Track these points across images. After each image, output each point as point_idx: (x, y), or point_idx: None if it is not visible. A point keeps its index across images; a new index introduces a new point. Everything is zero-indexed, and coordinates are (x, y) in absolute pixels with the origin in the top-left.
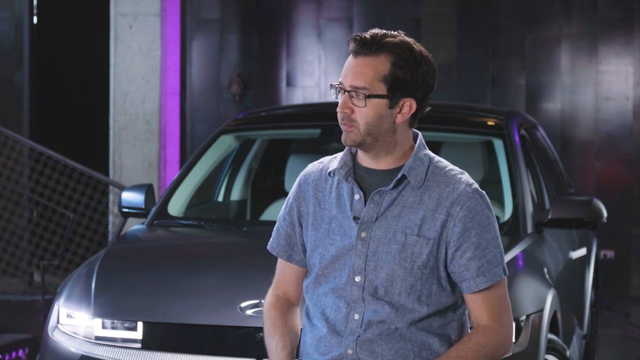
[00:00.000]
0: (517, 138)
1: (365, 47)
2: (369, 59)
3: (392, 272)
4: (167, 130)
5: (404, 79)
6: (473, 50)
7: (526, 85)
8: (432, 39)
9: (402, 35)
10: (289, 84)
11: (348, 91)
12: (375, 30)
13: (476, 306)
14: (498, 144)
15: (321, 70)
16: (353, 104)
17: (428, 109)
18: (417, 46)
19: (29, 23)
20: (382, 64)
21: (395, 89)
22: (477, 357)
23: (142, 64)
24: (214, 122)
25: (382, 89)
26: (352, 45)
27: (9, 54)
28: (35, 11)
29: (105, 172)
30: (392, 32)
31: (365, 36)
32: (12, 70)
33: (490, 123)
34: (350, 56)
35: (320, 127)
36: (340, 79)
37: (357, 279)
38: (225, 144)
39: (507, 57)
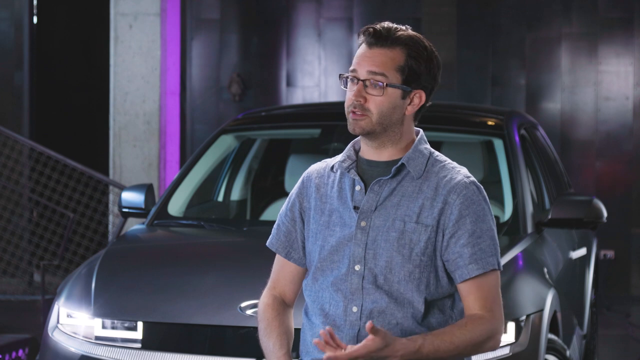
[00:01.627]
0: (517, 138)
1: (381, 39)
2: (386, 50)
3: (390, 259)
4: (167, 130)
5: (418, 71)
6: (473, 50)
7: (526, 85)
8: (432, 39)
9: (410, 29)
10: (289, 84)
11: (363, 80)
12: (387, 24)
13: (469, 296)
14: (498, 144)
15: (321, 70)
16: (367, 92)
17: (429, 104)
18: (426, 41)
19: (29, 23)
20: (398, 55)
21: (410, 80)
22: (466, 345)
23: (142, 64)
24: (214, 122)
25: (397, 79)
26: (365, 37)
27: (9, 54)
28: (35, 11)
29: (105, 172)
30: (401, 26)
31: (379, 29)
32: (12, 70)
33: (490, 123)
34: (363, 46)
35: (320, 127)
36: (352, 68)
37: (357, 267)
38: (225, 144)
39: (507, 57)
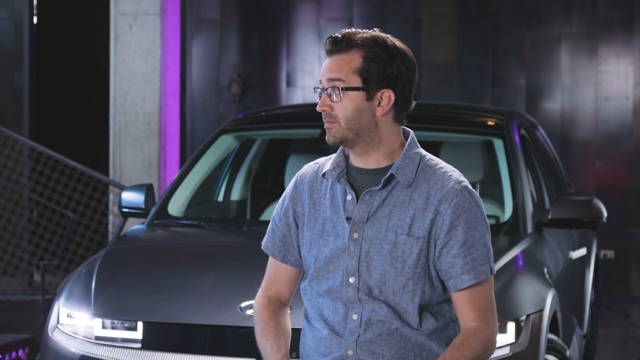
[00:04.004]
0: (517, 138)
1: (337, 45)
2: (342, 55)
3: (384, 272)
4: (167, 130)
5: (377, 71)
6: (473, 50)
7: (526, 85)
8: (432, 39)
9: (377, 31)
10: (289, 84)
11: (326, 89)
12: (347, 30)
13: (463, 306)
14: (498, 144)
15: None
16: (331, 100)
17: (414, 103)
18: (391, 40)
19: (29, 23)
20: (354, 58)
21: (369, 81)
22: None
23: (142, 64)
24: (214, 122)
25: (357, 82)
26: (326, 46)
27: (9, 54)
28: (35, 11)
29: (105, 172)
30: (366, 29)
31: (336, 35)
32: (12, 70)
33: (490, 123)
34: (326, 58)
35: (320, 127)
36: (319, 79)
37: (351, 280)
38: (225, 144)
39: (507, 57)
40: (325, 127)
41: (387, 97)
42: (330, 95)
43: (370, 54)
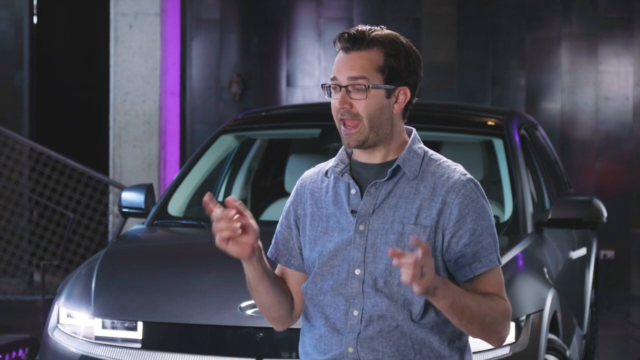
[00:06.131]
0: (517, 138)
1: (356, 42)
2: (363, 53)
3: (390, 262)
4: (167, 130)
5: (398, 68)
6: (473, 50)
7: (526, 85)
8: (432, 39)
9: (385, 29)
10: (289, 84)
11: (345, 86)
12: (361, 27)
13: (478, 289)
14: (498, 144)
15: (321, 70)
16: (351, 98)
17: (415, 100)
18: (403, 38)
19: (29, 23)
20: (376, 55)
21: (391, 78)
22: (486, 314)
23: (142, 64)
24: (214, 122)
25: (379, 79)
26: (341, 43)
27: (9, 54)
28: (35, 11)
29: (105, 172)
30: (375, 27)
31: (354, 32)
32: (12, 70)
33: (490, 123)
34: (340, 53)
35: (320, 127)
36: (332, 76)
37: (357, 271)
38: (225, 144)
39: (507, 57)
40: (344, 131)
41: (403, 94)
42: (349, 93)
43: (391, 51)
